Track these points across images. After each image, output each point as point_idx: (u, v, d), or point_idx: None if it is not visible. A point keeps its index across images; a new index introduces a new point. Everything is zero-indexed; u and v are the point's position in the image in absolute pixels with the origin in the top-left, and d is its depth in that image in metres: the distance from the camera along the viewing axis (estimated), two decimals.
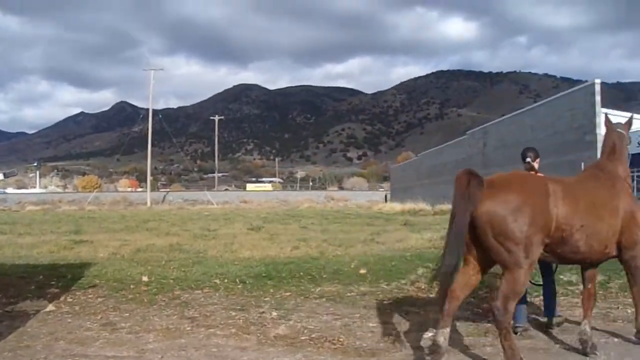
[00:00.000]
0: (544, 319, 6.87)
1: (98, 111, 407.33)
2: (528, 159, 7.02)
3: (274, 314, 7.02)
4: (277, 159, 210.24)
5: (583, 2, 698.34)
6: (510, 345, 5.01)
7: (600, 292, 8.44)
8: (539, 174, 6.42)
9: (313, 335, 6.17)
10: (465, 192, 4.99)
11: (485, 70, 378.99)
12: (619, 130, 6.38)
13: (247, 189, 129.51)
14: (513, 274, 5.05)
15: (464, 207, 5.00)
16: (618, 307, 7.62)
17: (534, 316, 7.06)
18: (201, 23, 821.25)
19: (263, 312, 7.11)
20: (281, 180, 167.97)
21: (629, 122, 6.68)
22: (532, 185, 5.35)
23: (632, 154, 21.02)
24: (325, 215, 31.93)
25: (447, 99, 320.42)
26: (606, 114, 7.43)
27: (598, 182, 5.85)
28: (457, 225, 4.99)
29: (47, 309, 7.31)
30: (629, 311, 7.20)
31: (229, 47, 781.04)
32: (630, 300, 6.94)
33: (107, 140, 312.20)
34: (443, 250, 5.14)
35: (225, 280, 9.00)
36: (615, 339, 6.10)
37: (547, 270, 6.92)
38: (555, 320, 6.73)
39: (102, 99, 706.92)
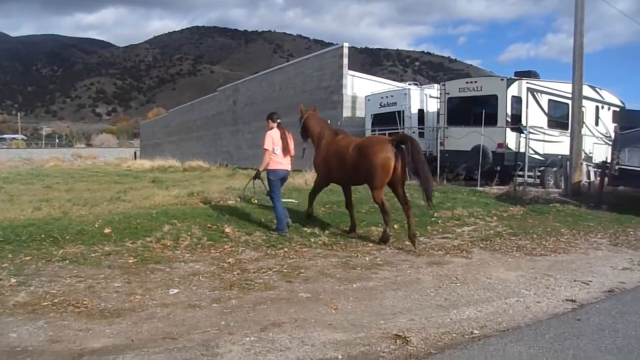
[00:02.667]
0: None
1: None
2: (279, 121, 9.37)
3: (13, 280, 6.37)
4: (20, 114, 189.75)
5: None
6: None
7: (341, 242, 9.26)
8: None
9: (56, 300, 5.75)
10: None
11: (241, 29, 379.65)
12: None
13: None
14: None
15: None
16: (357, 256, 8.33)
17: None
18: None
19: (0, 279, 6.41)
20: (25, 137, 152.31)
21: (314, 109, 10.90)
22: None
23: (374, 114, 23.10)
24: (72, 173, 29.77)
25: (200, 55, 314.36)
26: (300, 106, 11.22)
27: None
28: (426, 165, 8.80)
29: None
30: (367, 259, 8.11)
31: None
32: (368, 249, 8.77)
33: None
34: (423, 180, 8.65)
35: None
36: (354, 285, 6.69)
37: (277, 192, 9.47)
38: (279, 231, 9.28)
39: None
